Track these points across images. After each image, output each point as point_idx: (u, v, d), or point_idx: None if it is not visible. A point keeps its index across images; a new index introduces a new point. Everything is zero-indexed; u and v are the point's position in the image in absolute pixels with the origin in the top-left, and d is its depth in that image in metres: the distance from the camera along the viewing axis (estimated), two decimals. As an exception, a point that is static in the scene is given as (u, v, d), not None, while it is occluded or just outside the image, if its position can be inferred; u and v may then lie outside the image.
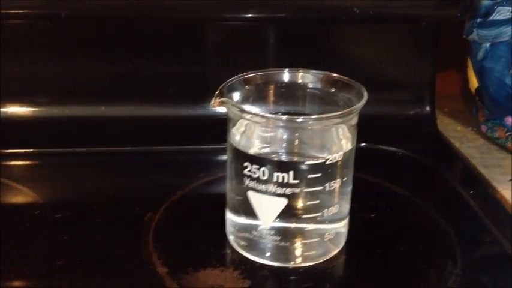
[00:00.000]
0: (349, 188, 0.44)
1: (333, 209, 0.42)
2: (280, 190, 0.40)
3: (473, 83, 0.64)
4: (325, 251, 0.44)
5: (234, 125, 0.43)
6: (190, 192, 0.52)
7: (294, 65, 0.46)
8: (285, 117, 0.42)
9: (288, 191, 0.41)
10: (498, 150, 0.64)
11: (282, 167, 0.40)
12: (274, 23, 0.60)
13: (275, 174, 0.40)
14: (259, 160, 0.41)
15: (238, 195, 0.43)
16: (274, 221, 0.42)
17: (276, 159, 0.42)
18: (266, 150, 0.43)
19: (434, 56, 0.63)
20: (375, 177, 0.54)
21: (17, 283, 0.42)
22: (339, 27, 0.61)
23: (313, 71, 0.46)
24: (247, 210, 0.42)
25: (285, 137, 0.43)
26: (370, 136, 0.53)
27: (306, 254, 0.43)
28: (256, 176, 0.41)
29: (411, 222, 0.50)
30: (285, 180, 0.40)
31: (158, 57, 0.60)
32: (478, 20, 0.60)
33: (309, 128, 0.43)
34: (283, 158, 0.43)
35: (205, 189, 0.53)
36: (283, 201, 0.41)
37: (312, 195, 0.41)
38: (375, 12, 0.56)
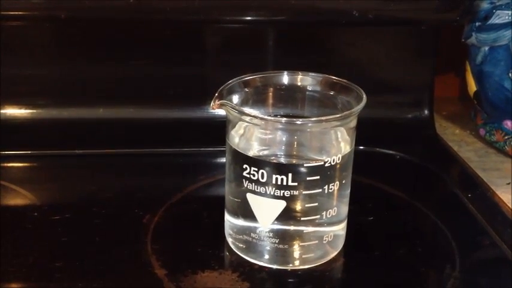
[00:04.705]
0: (348, 191, 0.44)
1: (332, 212, 0.42)
2: (278, 192, 0.41)
3: (472, 86, 0.64)
4: (324, 253, 0.44)
5: (233, 127, 0.43)
6: (189, 195, 0.52)
7: (293, 67, 0.46)
8: (284, 119, 0.42)
9: (287, 193, 0.41)
10: (496, 153, 0.64)
11: (281, 169, 0.40)
12: (273, 26, 0.60)
13: (274, 177, 0.40)
14: (258, 162, 0.41)
15: (237, 198, 0.43)
16: (273, 223, 0.42)
17: (274, 161, 0.42)
18: (265, 152, 0.43)
19: (433, 59, 0.63)
20: (373, 180, 0.54)
21: (15, 285, 0.42)
22: (338, 30, 0.61)
23: (312, 74, 0.46)
24: (246, 213, 0.42)
25: (283, 139, 0.43)
26: (368, 139, 0.53)
27: (305, 256, 0.43)
28: (255, 178, 0.41)
29: (409, 225, 0.50)
30: (284, 183, 0.40)
31: (158, 59, 0.60)
32: (477, 23, 0.60)
33: (308, 130, 0.43)
34: (282, 160, 0.43)
35: (204, 191, 0.53)
36: (282, 204, 0.41)
37: (310, 198, 0.41)
38: (374, 15, 0.56)
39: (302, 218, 0.42)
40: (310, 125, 0.42)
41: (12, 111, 0.60)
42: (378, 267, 0.45)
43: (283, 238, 0.42)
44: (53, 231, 0.47)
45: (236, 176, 0.42)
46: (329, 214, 0.42)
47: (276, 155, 0.43)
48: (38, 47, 0.59)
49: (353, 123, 0.43)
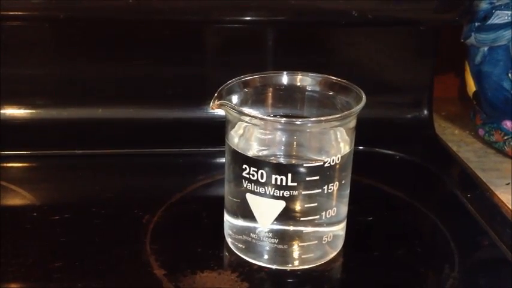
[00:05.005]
0: (347, 191, 0.44)
1: (331, 212, 0.42)
2: (278, 192, 0.41)
3: (471, 86, 0.64)
4: (323, 253, 0.44)
5: (233, 127, 0.43)
6: (189, 195, 0.52)
7: (293, 67, 0.46)
8: (283, 119, 0.42)
9: (286, 193, 0.41)
10: (495, 154, 0.64)
11: (280, 169, 0.40)
12: (273, 26, 0.60)
13: (273, 177, 0.40)
14: (257, 162, 0.41)
15: (237, 198, 0.43)
16: (272, 223, 0.42)
17: (274, 161, 0.42)
18: (264, 152, 0.43)
19: (432, 60, 0.63)
20: (372, 180, 0.54)
21: (15, 285, 0.42)
22: (338, 30, 0.61)
23: (312, 74, 0.46)
24: (246, 213, 0.42)
25: (283, 139, 0.43)
26: (368, 139, 0.53)
27: (304, 256, 0.43)
28: (254, 178, 0.41)
29: (409, 226, 0.50)
30: (283, 183, 0.40)
31: (157, 60, 0.60)
32: (476, 23, 0.60)
33: (307, 130, 0.43)
34: (282, 160, 0.43)
35: (203, 191, 0.53)
36: (281, 204, 0.41)
37: (310, 198, 0.41)
38: (373, 15, 0.56)
39: (301, 218, 0.42)
40: (309, 125, 0.42)
41: (12, 111, 0.60)
42: (378, 267, 0.45)
43: (283, 238, 0.42)
44: (52, 231, 0.47)
45: (235, 176, 0.42)
46: (328, 214, 0.42)
47: (275, 155, 0.43)
48: (37, 47, 0.59)
49: (352, 123, 0.43)
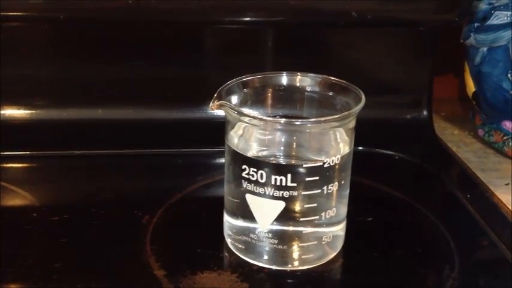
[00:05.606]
0: (347, 191, 0.44)
1: (331, 212, 0.42)
2: (278, 193, 0.41)
3: (470, 87, 0.64)
4: (323, 254, 0.44)
5: (232, 127, 0.43)
6: (188, 195, 0.52)
7: (292, 68, 0.46)
8: (283, 120, 0.42)
9: (286, 194, 0.41)
10: (495, 154, 0.64)
11: (280, 169, 0.40)
12: (273, 27, 0.60)
13: (273, 177, 0.40)
14: (257, 163, 0.41)
15: (236, 198, 0.43)
16: (272, 224, 0.42)
17: (273, 162, 0.42)
18: (264, 153, 0.43)
19: (432, 60, 0.63)
20: (372, 180, 0.54)
21: (14, 285, 0.42)
22: (337, 31, 0.61)
23: (311, 75, 0.46)
24: (245, 213, 0.42)
25: (283, 140, 0.43)
26: (367, 140, 0.53)
27: (304, 257, 0.43)
28: (254, 178, 0.41)
29: (408, 226, 0.50)
30: (283, 183, 0.40)
31: (156, 60, 0.60)
32: (476, 24, 0.60)
33: (307, 131, 0.43)
34: (281, 161, 0.43)
35: (203, 192, 0.53)
36: (281, 204, 0.41)
37: (309, 198, 0.41)
38: (372, 16, 0.56)
39: (301, 219, 0.42)
40: (309, 125, 0.42)
41: (12, 112, 0.60)
42: (377, 268, 0.45)
43: (282, 239, 0.42)
44: (52, 232, 0.47)
45: (235, 177, 0.42)
46: (328, 215, 0.42)
47: (275, 156, 0.43)
48: (37, 47, 0.59)
49: (352, 123, 0.43)
